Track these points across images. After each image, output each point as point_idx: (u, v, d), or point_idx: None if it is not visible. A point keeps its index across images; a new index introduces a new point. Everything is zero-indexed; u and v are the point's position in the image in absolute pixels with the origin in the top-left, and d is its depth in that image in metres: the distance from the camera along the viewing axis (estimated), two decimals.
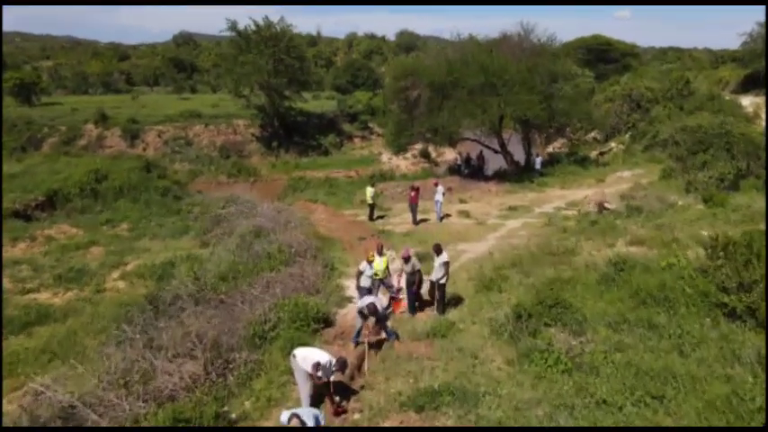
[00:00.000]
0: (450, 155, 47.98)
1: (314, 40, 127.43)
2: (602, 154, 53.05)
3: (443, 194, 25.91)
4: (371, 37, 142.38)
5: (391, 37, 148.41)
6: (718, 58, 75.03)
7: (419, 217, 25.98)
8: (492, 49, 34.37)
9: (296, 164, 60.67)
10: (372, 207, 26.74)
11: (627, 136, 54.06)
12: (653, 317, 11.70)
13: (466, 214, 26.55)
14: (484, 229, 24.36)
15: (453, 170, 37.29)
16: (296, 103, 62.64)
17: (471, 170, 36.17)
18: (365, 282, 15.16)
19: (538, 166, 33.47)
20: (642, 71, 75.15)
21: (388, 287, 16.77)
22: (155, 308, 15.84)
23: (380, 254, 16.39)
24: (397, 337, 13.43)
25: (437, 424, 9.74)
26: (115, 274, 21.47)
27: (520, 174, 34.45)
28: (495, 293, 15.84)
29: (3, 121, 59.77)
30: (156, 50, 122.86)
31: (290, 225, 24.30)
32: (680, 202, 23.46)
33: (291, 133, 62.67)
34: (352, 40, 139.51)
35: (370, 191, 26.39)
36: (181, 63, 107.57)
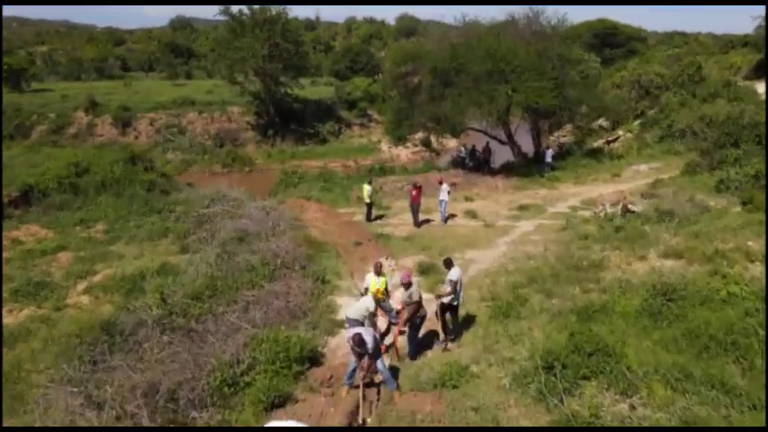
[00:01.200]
0: (452, 143, 45.21)
1: (312, 25, 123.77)
2: (609, 142, 50.25)
3: (449, 193, 23.18)
4: (371, 21, 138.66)
5: (391, 21, 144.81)
6: (728, 43, 71.68)
7: (421, 217, 23.29)
8: (499, 33, 31.43)
9: (292, 153, 57.89)
10: (370, 206, 24.05)
11: (636, 124, 51.26)
12: (724, 372, 9.04)
13: (472, 214, 23.86)
14: (493, 232, 21.69)
15: (457, 163, 34.52)
16: (292, 90, 59.68)
17: (476, 163, 33.40)
18: (354, 313, 12.40)
19: (549, 159, 30.70)
20: (649, 56, 72.09)
21: (387, 311, 14.13)
22: (111, 337, 13.20)
23: (378, 273, 13.72)
24: (398, 387, 10.79)
25: None
26: (81, 287, 18.79)
27: (529, 167, 31.69)
28: (513, 321, 13.20)
29: (1, 113, 57.06)
30: (152, 35, 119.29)
31: (279, 228, 21.64)
32: (711, 203, 20.74)
33: (288, 121, 59.80)
34: (351, 25, 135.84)
35: (367, 189, 23.67)
36: (177, 48, 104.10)
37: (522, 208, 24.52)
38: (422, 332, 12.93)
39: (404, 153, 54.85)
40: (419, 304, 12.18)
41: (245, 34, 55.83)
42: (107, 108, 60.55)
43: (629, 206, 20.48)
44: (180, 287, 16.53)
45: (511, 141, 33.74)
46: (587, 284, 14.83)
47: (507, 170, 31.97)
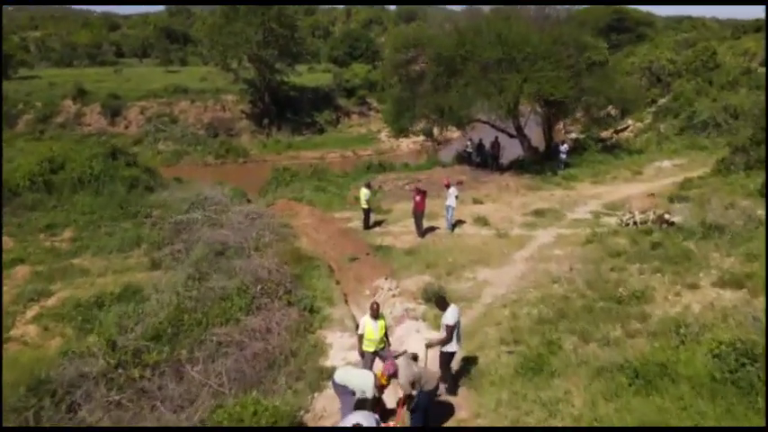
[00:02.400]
0: (456, 133, 42.14)
1: (311, 9, 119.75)
2: (618, 132, 47.20)
3: (456, 198, 20.24)
4: (371, 5, 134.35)
5: (392, 6, 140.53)
6: (739, 28, 68.23)
7: (425, 224, 20.37)
8: (509, 18, 28.30)
9: (288, 143, 54.84)
10: (368, 212, 21.12)
11: (647, 113, 48.20)
12: None
13: (483, 221, 20.91)
14: (507, 244, 18.77)
15: (462, 158, 31.50)
16: (288, 77, 56.48)
17: (483, 159, 30.43)
18: (345, 380, 9.51)
19: (563, 156, 27.68)
20: (658, 41, 68.81)
21: (384, 359, 11.25)
22: (40, 400, 10.37)
23: (376, 317, 10.86)
24: None
25: None
26: (31, 313, 15.91)
27: (541, 163, 28.70)
28: (545, 378, 10.36)
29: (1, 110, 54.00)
30: (147, 20, 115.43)
31: (263, 240, 18.76)
32: (759, 212, 17.78)
33: (284, 109, 56.70)
34: (350, 9, 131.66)
35: (365, 193, 20.73)
36: (174, 33, 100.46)
37: (538, 213, 21.57)
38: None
39: (404, 143, 51.87)
40: (420, 384, 9.22)
41: (238, 19, 52.55)
42: (96, 96, 57.39)
43: (666, 216, 17.51)
44: (140, 319, 13.75)
45: (520, 135, 30.71)
46: (631, 323, 12.01)
47: (517, 167, 28.99)
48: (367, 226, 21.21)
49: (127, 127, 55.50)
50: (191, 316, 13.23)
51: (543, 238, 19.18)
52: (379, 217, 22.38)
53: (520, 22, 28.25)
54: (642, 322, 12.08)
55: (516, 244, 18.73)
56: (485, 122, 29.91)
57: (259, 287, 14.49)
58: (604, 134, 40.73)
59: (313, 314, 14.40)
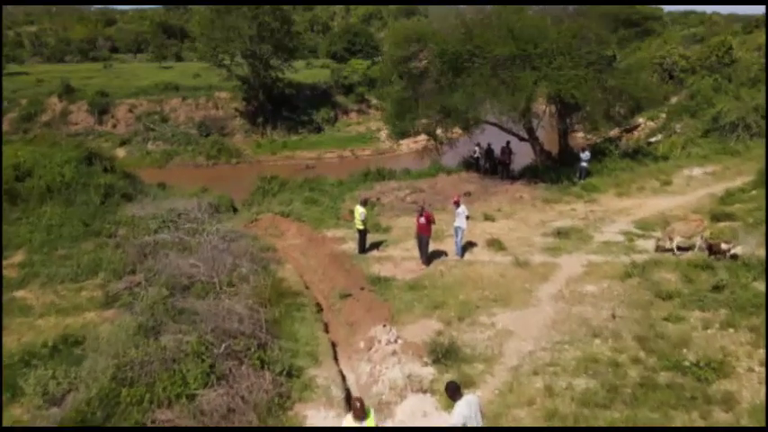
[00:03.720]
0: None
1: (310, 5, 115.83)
2: (627, 131, 43.88)
3: (467, 218, 16.95)
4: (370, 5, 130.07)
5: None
6: (752, 22, 64.77)
7: (431, 246, 17.07)
8: (523, 9, 24.88)
9: (284, 142, 51.47)
10: (363, 234, 17.84)
11: (659, 111, 44.85)
12: None
13: (497, 244, 17.62)
14: (529, 275, 15.50)
15: (469, 164, 28.14)
16: (284, 74, 52.97)
17: (492, 165, 27.12)
18: None
19: (584, 164, 24.30)
20: (666, 36, 65.33)
21: None
22: None
23: (362, 416, 7.61)
24: None
25: None
26: None
27: (556, 171, 25.37)
28: None
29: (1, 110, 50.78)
30: (144, 15, 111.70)
31: (240, 270, 15.50)
32: None
33: (279, 107, 53.29)
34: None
35: (360, 212, 17.44)
36: (170, 28, 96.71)
37: (561, 234, 18.26)
38: None
39: (405, 143, 48.20)
40: None
41: (230, 12, 49.09)
42: (83, 93, 53.99)
43: (725, 246, 14.22)
44: (71, 386, 10.57)
45: (532, 138, 27.35)
46: (711, 410, 8.78)
47: (531, 175, 25.65)
48: (363, 249, 17.95)
49: (115, 126, 52.17)
50: (130, 392, 9.96)
51: (570, 266, 15.90)
52: (377, 236, 19.10)
53: (534, 14, 24.89)
54: (725, 408, 8.88)
55: (539, 275, 15.46)
56: (493, 124, 26.54)
57: (224, 345, 11.22)
58: (612, 133, 37.33)
59: (292, 379, 11.14)
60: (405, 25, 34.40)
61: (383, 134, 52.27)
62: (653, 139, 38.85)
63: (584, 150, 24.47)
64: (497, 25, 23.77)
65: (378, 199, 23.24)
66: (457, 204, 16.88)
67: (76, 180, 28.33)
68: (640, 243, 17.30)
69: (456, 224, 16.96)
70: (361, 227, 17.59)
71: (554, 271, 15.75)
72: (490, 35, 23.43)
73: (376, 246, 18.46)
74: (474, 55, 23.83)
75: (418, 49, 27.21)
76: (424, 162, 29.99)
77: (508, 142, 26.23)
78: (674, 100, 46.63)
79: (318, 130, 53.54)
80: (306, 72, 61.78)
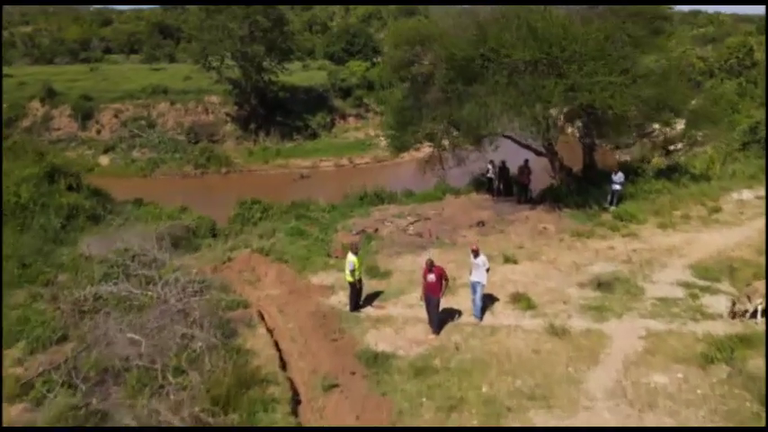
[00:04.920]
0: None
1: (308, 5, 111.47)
2: (642, 136, 39.84)
3: (488, 270, 12.98)
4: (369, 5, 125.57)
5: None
6: None
7: (441, 302, 13.03)
8: (546, 8, 20.83)
9: (277, 150, 47.33)
10: (355, 288, 13.86)
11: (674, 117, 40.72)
12: None
13: (524, 301, 13.68)
14: (570, 351, 11.58)
15: (480, 183, 24.14)
16: (277, 76, 48.85)
17: (507, 185, 23.14)
18: None
19: (618, 187, 20.32)
20: (678, 37, 61.14)
21: None
22: None
23: None
24: None
25: None
26: None
27: (582, 192, 21.38)
28: None
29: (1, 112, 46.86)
30: (141, 15, 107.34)
31: (194, 347, 11.54)
32: None
33: (273, 112, 49.24)
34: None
35: (351, 261, 13.48)
36: (167, 29, 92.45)
37: (603, 285, 14.28)
38: None
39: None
40: None
41: (220, 12, 45.00)
42: (66, 97, 49.92)
43: None
44: None
45: (551, 153, 23.26)
46: None
47: (552, 198, 21.62)
48: (355, 305, 13.99)
49: (99, 132, 48.16)
50: None
51: (624, 338, 11.96)
52: (374, 284, 15.15)
53: (560, 12, 20.81)
54: None
55: (585, 352, 11.53)
56: (507, 137, 22.46)
57: None
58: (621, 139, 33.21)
59: None
60: (407, 25, 30.21)
61: (382, 140, 48.32)
62: (672, 148, 34.86)
63: (616, 172, 20.43)
64: (517, 26, 19.66)
65: (375, 230, 19.26)
66: (475, 254, 12.89)
67: (35, 201, 24.58)
68: (707, 300, 13.36)
69: (474, 278, 13.01)
70: (350, 279, 13.62)
71: (603, 345, 11.80)
72: (508, 37, 19.35)
73: (372, 298, 14.52)
74: (488, 60, 19.79)
75: (422, 51, 23.19)
76: (427, 177, 25.91)
77: (526, 161, 22.20)
78: (692, 105, 42.55)
79: (314, 136, 49.50)
80: (302, 74, 57.68)
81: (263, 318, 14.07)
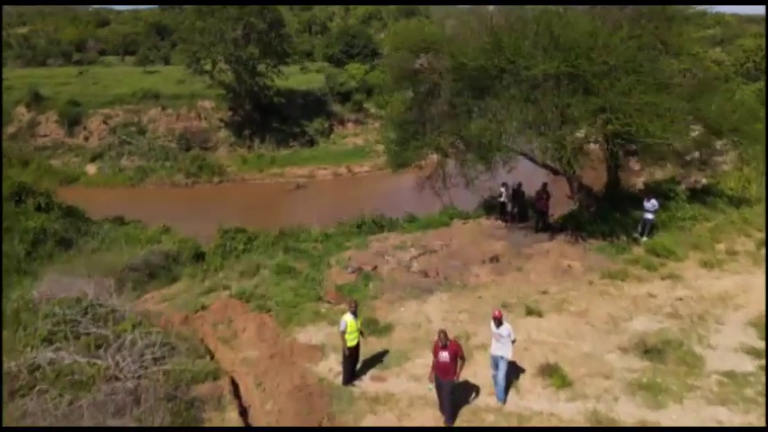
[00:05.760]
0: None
1: (308, 6, 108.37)
2: (684, 165, 36.79)
3: (513, 342, 10.23)
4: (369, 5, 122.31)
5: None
6: None
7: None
8: (568, 10, 18.01)
9: (272, 158, 44.47)
10: (350, 358, 11.10)
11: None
12: None
13: (557, 375, 10.93)
14: None
15: (491, 207, 21.35)
16: (273, 81, 45.97)
17: (522, 210, 20.36)
18: None
19: (650, 216, 17.53)
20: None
21: None
22: None
23: None
24: None
25: None
26: None
27: (607, 219, 18.56)
28: None
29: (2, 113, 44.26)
30: (139, 16, 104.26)
31: None
32: None
33: (268, 118, 46.35)
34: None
35: (347, 323, 10.75)
36: (165, 29, 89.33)
37: (649, 352, 11.51)
38: None
39: None
40: None
41: (212, 13, 42.13)
42: (53, 102, 47.10)
43: None
44: None
45: (570, 172, 20.38)
46: None
47: (573, 225, 18.80)
48: (350, 377, 11.28)
49: (87, 138, 45.37)
50: None
51: None
52: (373, 343, 12.39)
53: (583, 16, 17.99)
54: None
55: None
56: (522, 154, 19.59)
57: None
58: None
59: None
60: (410, 27, 27.31)
61: (382, 147, 45.51)
62: (688, 158, 31.98)
63: (649, 198, 17.59)
64: (537, 32, 16.83)
65: (374, 268, 16.47)
66: (498, 322, 10.16)
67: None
68: None
69: (496, 352, 10.32)
70: (350, 344, 10.87)
71: None
72: (526, 46, 16.53)
73: (370, 363, 11.78)
74: (503, 71, 16.96)
75: (426, 59, 20.36)
76: (430, 194, 23.03)
77: (545, 184, 19.33)
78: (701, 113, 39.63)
79: (311, 142, 46.71)
80: (300, 77, 54.76)
81: (237, 390, 11.36)
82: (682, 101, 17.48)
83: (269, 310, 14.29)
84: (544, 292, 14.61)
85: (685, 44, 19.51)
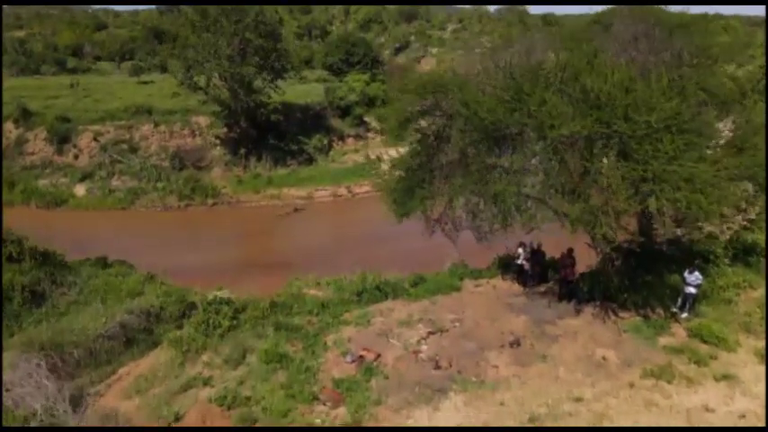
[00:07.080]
0: None
1: (308, 8, 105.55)
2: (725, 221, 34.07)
3: None
4: (369, 5, 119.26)
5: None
6: None
7: None
8: (596, 52, 15.49)
9: (269, 178, 41.80)
10: None
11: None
12: None
13: None
14: None
15: (507, 265, 18.87)
16: (270, 97, 43.35)
17: (543, 272, 17.91)
18: None
19: (693, 290, 15.03)
20: None
21: None
22: None
23: None
24: None
25: None
26: None
27: (638, 288, 16.11)
28: None
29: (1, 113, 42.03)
30: (137, 19, 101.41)
31: None
32: None
33: (265, 134, 43.74)
34: (348, 8, 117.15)
35: None
36: (163, 33, 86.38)
37: None
38: None
39: None
40: None
41: (207, 27, 39.49)
42: (42, 118, 44.40)
43: None
44: None
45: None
46: None
47: (601, 295, 16.32)
48: None
49: (76, 157, 42.74)
50: None
51: None
52: None
53: (610, 56, 15.49)
54: None
55: None
56: (546, 222, 17.14)
57: None
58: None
59: None
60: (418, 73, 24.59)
61: (384, 165, 42.90)
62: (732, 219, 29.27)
63: (692, 271, 15.08)
64: (561, 79, 14.32)
65: (377, 357, 14.02)
66: None
67: None
68: None
69: None
70: None
71: None
72: (551, 98, 14.01)
73: None
74: (525, 125, 14.48)
75: (436, 101, 17.86)
76: (446, 261, 20.54)
77: (570, 250, 16.80)
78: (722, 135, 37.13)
79: (310, 160, 44.19)
80: (298, 88, 51.88)
81: None
82: (730, 159, 15.03)
83: (256, 421, 11.86)
84: (578, 400, 12.17)
85: (729, 94, 16.84)
